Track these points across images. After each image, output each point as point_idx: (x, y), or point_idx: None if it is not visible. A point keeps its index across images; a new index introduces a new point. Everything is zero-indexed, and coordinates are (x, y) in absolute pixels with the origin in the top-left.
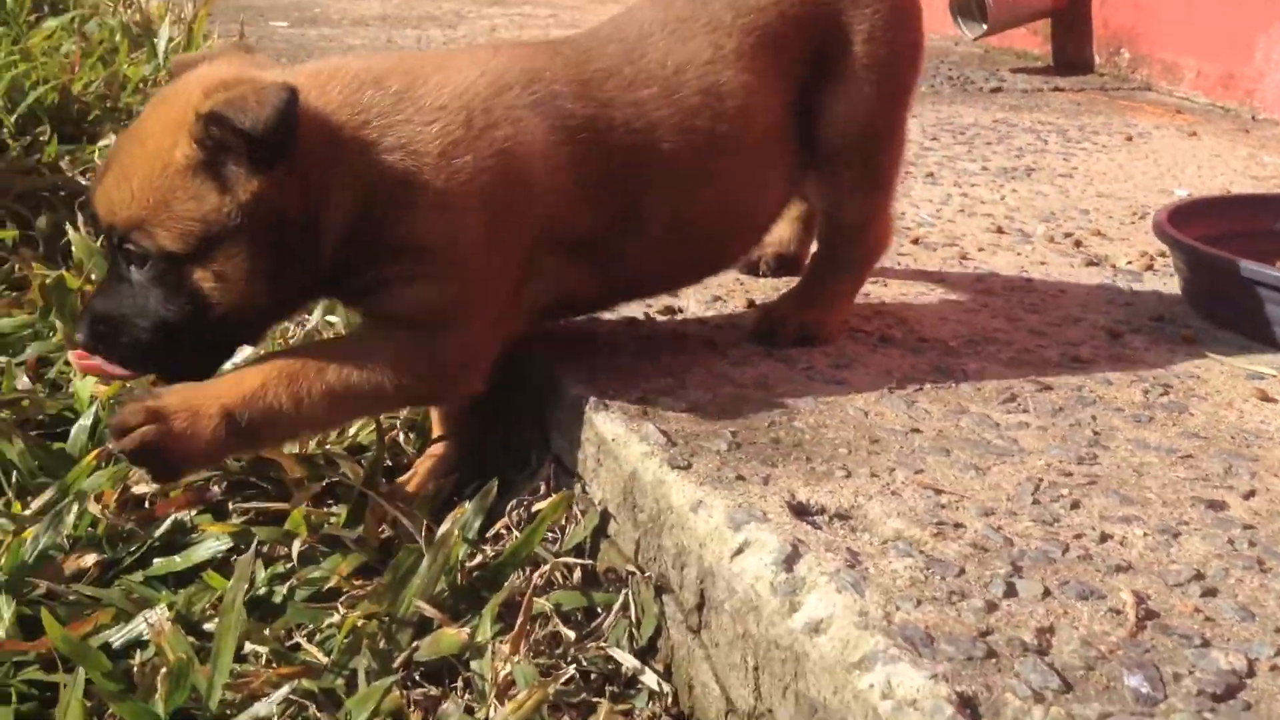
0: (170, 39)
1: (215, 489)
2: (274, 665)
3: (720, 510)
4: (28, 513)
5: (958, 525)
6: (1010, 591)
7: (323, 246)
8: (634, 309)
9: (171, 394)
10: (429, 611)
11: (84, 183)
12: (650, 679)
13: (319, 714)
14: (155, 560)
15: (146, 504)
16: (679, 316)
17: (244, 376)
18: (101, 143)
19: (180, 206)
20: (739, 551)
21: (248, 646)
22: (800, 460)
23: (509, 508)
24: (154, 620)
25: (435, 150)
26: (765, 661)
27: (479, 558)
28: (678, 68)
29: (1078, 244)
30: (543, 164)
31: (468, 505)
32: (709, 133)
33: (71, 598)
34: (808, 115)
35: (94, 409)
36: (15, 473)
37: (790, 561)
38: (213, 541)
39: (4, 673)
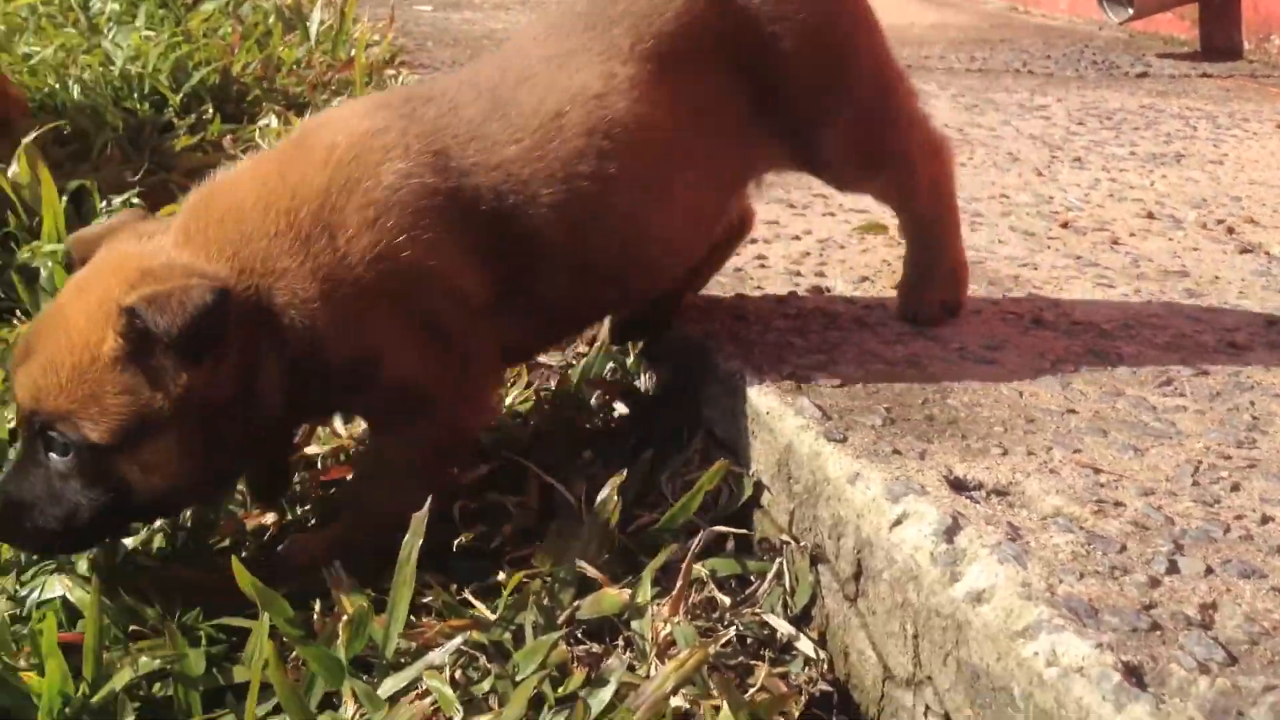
0: (321, 21)
1: None
2: (444, 618)
3: (878, 482)
4: None
5: (1117, 504)
6: (1172, 568)
7: (260, 413)
8: (780, 285)
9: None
10: (591, 572)
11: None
12: (806, 645)
13: (489, 664)
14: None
15: (319, 465)
16: (826, 294)
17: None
18: (261, 122)
19: (109, 400)
20: (897, 523)
21: (419, 601)
22: (955, 437)
23: (664, 477)
24: (334, 572)
25: (322, 288)
26: (925, 630)
27: (635, 523)
28: (558, 110)
29: (1230, 231)
30: (417, 249)
31: (624, 472)
32: (597, 174)
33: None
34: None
35: None
36: None
37: (950, 533)
38: None
39: (194, 617)
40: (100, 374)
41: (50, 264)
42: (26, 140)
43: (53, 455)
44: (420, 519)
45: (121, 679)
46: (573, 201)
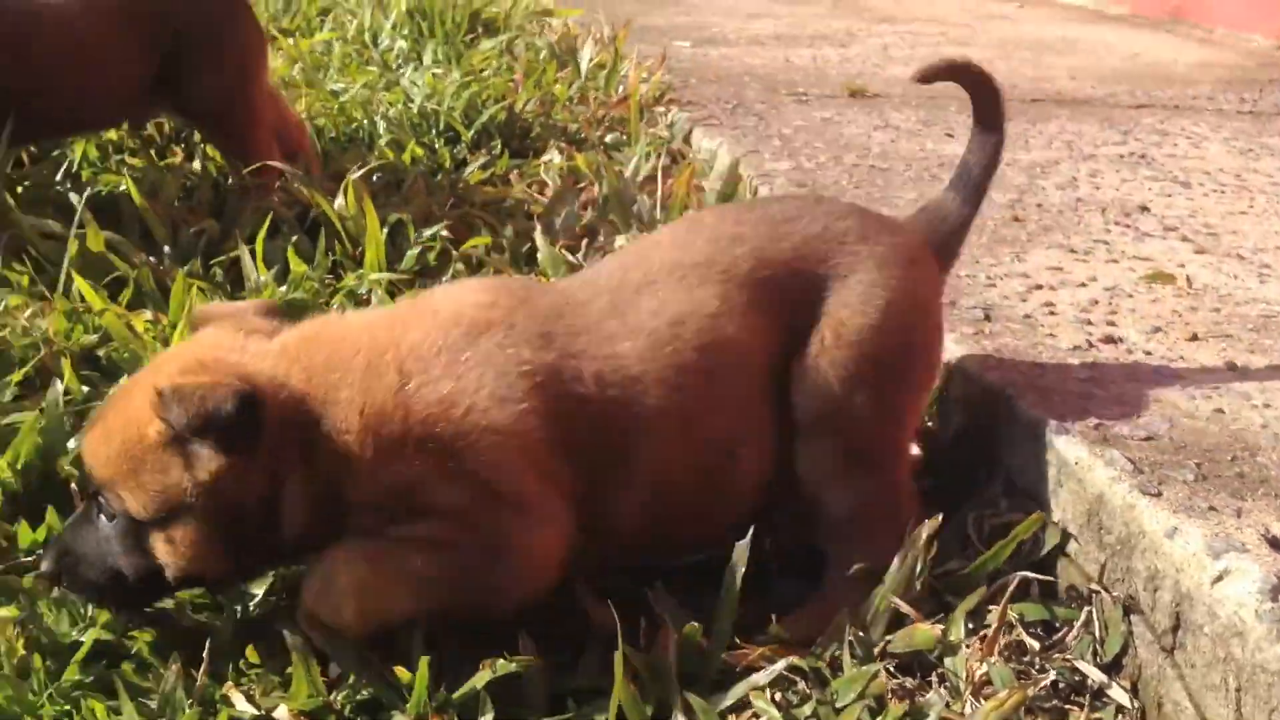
0: (591, 58)
1: None
2: (762, 644)
3: (1197, 538)
4: None
5: None
6: None
7: (280, 525)
8: (1071, 334)
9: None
10: (904, 608)
11: (536, 196)
12: (1119, 694)
13: (808, 689)
14: None
15: None
16: (1121, 344)
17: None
18: (544, 157)
19: (147, 476)
20: (1219, 579)
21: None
22: (1269, 496)
23: (970, 518)
24: (655, 590)
25: (365, 422)
26: (1249, 685)
27: (942, 565)
28: (677, 318)
29: None
30: (494, 409)
31: (939, 516)
32: (704, 391)
33: None
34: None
35: None
36: None
37: (1276, 592)
38: None
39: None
40: (144, 451)
41: (378, 291)
42: (353, 176)
43: (102, 518)
44: (743, 548)
45: (482, 678)
46: (676, 410)
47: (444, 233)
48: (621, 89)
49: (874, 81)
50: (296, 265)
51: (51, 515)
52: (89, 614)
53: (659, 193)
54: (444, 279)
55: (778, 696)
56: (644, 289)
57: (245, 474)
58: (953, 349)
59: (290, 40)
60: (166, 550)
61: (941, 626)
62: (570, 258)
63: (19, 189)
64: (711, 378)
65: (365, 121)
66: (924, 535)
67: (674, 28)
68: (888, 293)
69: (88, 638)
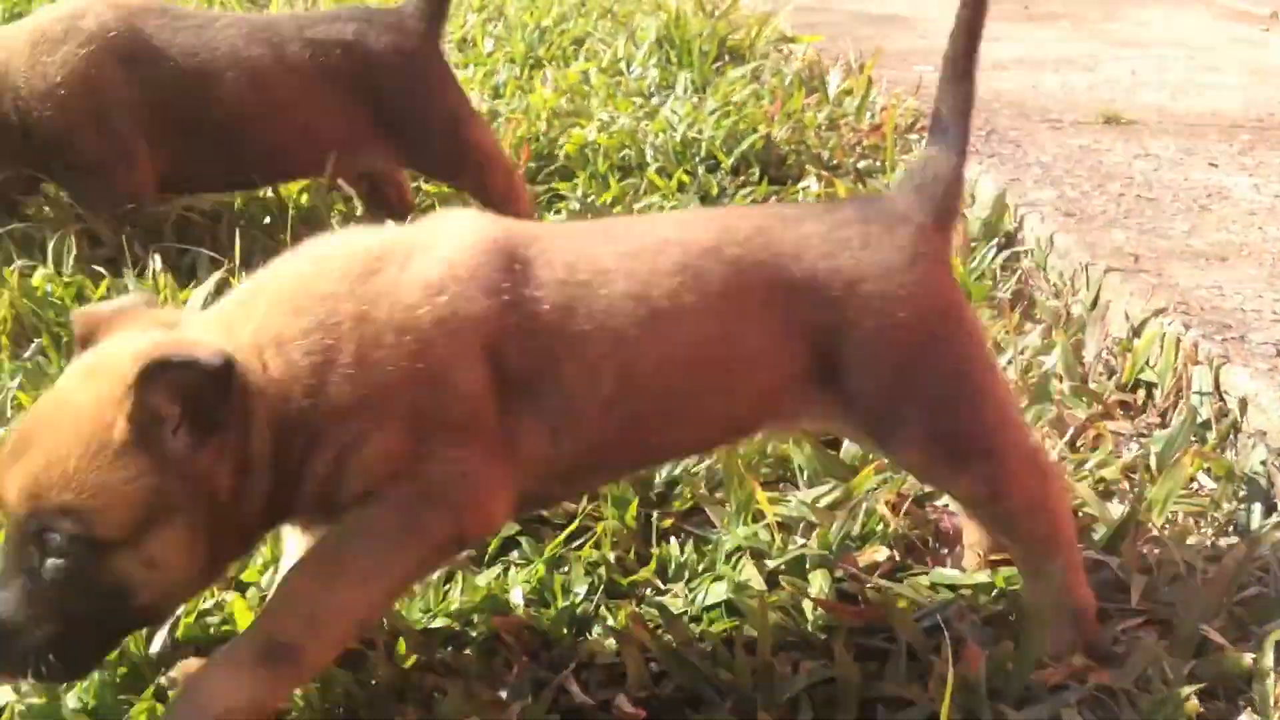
0: (839, 85)
1: None
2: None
3: None
4: (820, 505)
5: None
6: None
7: (248, 507)
8: None
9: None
10: (1213, 635)
11: None
12: None
13: (1115, 709)
14: (937, 568)
15: (927, 510)
16: None
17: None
18: (802, 184)
19: (121, 488)
20: None
21: None
22: None
23: (1270, 545)
24: (954, 610)
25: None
26: None
27: (1244, 591)
28: (666, 239)
29: None
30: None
31: (1241, 544)
32: (684, 306)
33: (869, 585)
34: None
35: None
36: (805, 471)
37: None
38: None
39: (835, 634)
40: (111, 461)
41: None
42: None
43: (47, 561)
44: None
45: (799, 682)
46: (654, 322)
47: None
48: (871, 116)
49: (1127, 108)
50: None
51: None
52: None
53: None
54: None
55: (1085, 715)
56: (636, 223)
57: (221, 456)
58: (1248, 384)
59: (544, 70)
60: (143, 572)
61: (1252, 655)
62: None
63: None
64: (696, 296)
65: (633, 150)
66: (1229, 562)
67: (913, 52)
68: (899, 301)
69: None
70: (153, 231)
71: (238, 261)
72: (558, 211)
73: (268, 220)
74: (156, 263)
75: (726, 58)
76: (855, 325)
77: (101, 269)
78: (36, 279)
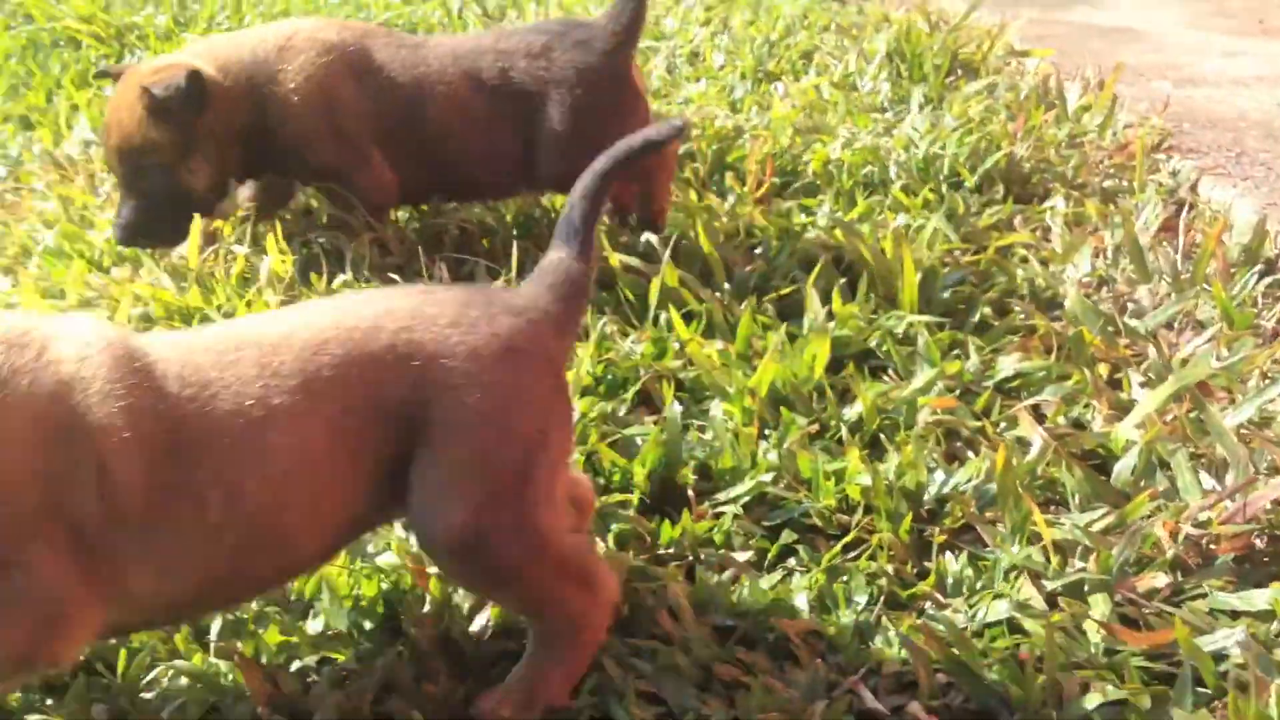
0: (1077, 101)
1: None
2: None
3: None
4: (1093, 530)
5: None
6: None
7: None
8: None
9: None
10: None
11: (1042, 241)
12: None
13: None
14: (1216, 593)
15: (1204, 539)
16: None
17: None
18: (1049, 202)
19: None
20: None
21: None
22: None
23: None
24: (1239, 639)
25: None
26: None
27: None
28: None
29: None
30: None
31: None
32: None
33: (1148, 609)
34: None
35: (1135, 451)
36: (1075, 495)
37: None
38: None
39: (1121, 657)
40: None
41: (923, 334)
42: (889, 229)
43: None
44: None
45: (1090, 701)
46: (250, 434)
47: (971, 279)
48: (1113, 133)
49: None
50: (839, 305)
51: (685, 518)
52: None
53: (1180, 244)
54: (971, 320)
55: None
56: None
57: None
58: None
59: (775, 84)
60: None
61: None
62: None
63: None
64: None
65: (876, 167)
66: None
67: (1148, 66)
68: (480, 386)
69: None
70: (432, 241)
71: (514, 271)
72: (803, 229)
73: (534, 232)
74: (442, 270)
75: (959, 72)
76: (432, 402)
77: (394, 275)
78: (337, 284)
